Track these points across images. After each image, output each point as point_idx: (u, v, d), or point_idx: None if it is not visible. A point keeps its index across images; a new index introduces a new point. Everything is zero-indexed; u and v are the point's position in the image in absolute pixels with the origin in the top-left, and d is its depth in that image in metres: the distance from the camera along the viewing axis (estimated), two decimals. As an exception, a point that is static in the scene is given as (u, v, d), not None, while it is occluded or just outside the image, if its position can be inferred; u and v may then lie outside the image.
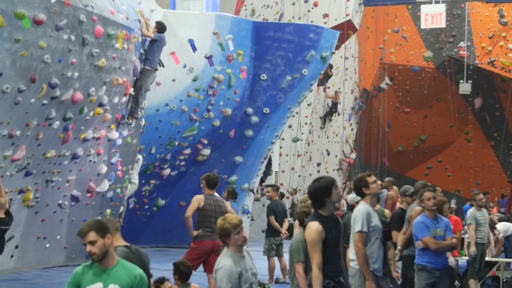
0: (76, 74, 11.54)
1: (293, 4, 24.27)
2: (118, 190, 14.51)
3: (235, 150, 17.98)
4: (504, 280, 12.96)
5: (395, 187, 15.23)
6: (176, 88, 16.35)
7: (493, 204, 25.54)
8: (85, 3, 11.44)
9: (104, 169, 13.74)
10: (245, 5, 24.97)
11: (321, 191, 5.95)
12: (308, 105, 24.12)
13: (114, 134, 13.70)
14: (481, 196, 12.22)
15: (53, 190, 12.77)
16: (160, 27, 14.28)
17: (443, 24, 26.46)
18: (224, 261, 5.53)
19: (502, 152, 30.19)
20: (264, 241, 13.07)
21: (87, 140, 12.89)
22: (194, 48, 16.37)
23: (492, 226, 14.66)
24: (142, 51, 13.99)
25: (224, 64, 16.78)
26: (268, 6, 24.62)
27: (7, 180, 11.07)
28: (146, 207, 17.90)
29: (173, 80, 16.19)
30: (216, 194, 9.85)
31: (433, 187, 9.14)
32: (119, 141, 13.98)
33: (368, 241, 6.89)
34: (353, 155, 28.91)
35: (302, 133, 24.34)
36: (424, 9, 26.54)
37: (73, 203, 13.36)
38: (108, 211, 14.32)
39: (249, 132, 17.88)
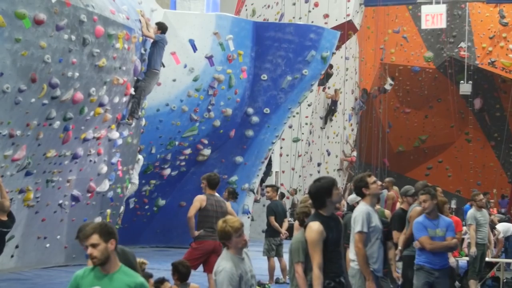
0: (77, 74, 11.54)
1: (294, 4, 24.28)
2: (119, 190, 14.52)
3: (236, 150, 17.99)
4: (504, 280, 12.94)
5: (395, 188, 15.23)
6: (177, 88, 16.35)
7: (493, 204, 25.52)
8: (86, 3, 11.44)
9: (104, 169, 13.74)
10: (246, 5, 24.96)
11: (322, 191, 5.95)
12: (309, 105, 24.13)
13: (115, 134, 13.70)
14: (481, 196, 12.23)
15: (54, 190, 12.77)
16: (163, 28, 14.29)
17: (443, 25, 26.47)
18: (225, 264, 5.51)
19: (503, 153, 30.18)
20: (264, 242, 13.07)
21: (87, 140, 12.89)
22: (194, 48, 16.37)
23: (492, 227, 14.65)
24: (142, 51, 13.99)
25: (224, 64, 16.79)
26: (268, 6, 24.62)
27: (7, 180, 11.07)
28: (147, 207, 17.90)
29: (174, 80, 16.20)
30: (217, 194, 9.85)
31: (434, 187, 9.14)
32: (120, 141, 13.99)
33: (368, 242, 6.89)
34: (354, 153, 28.96)
35: (303, 133, 24.35)
36: (425, 9, 26.54)
37: (73, 203, 13.36)
38: (109, 211, 14.32)
39: (250, 132, 17.89)
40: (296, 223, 8.66)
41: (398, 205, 13.33)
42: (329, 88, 26.51)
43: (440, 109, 31.20)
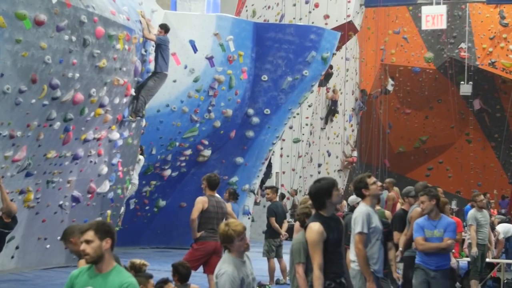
0: (77, 74, 11.55)
1: (294, 5, 24.29)
2: (119, 191, 14.52)
3: (236, 151, 17.98)
4: (505, 281, 12.93)
5: (395, 188, 15.22)
6: (177, 89, 16.34)
7: (493, 205, 25.50)
8: (86, 3, 11.44)
9: (104, 169, 13.74)
10: (246, 6, 24.96)
11: (322, 192, 5.95)
12: (309, 106, 24.15)
13: (115, 135, 13.71)
14: (482, 197, 12.22)
15: (54, 190, 12.76)
16: (166, 29, 14.31)
17: (444, 25, 26.47)
18: (226, 267, 5.47)
19: (503, 153, 30.19)
20: (263, 243, 13.07)
21: (87, 141, 12.89)
22: (195, 49, 16.37)
23: (492, 228, 14.64)
24: (143, 52, 14.00)
25: (225, 65, 16.78)
26: (269, 7, 24.62)
27: (7, 181, 11.07)
28: (147, 208, 17.90)
29: (174, 81, 16.19)
30: (217, 195, 9.85)
31: (434, 188, 9.13)
32: (120, 142, 13.99)
33: (369, 242, 6.88)
34: (355, 153, 28.96)
35: (303, 134, 24.35)
36: (425, 10, 26.53)
37: (73, 203, 13.36)
38: (109, 212, 14.33)
39: (250, 133, 17.89)
40: (297, 224, 8.66)
41: (398, 206, 13.35)
42: (329, 88, 26.51)
43: (440, 110, 31.21)
